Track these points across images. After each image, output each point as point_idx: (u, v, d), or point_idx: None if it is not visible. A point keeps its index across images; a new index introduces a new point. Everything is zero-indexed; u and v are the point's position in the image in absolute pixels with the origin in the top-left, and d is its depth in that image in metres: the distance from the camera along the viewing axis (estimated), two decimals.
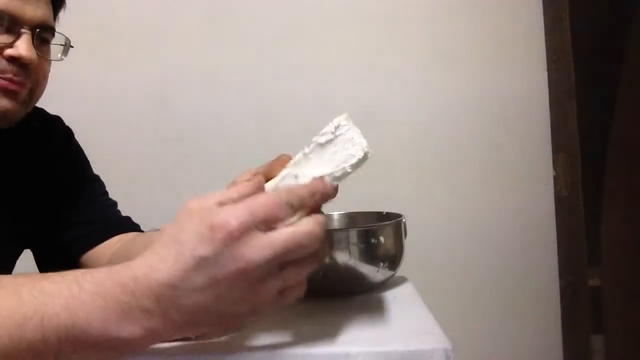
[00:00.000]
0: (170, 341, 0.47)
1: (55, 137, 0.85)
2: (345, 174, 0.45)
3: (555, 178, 1.46)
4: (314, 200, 0.42)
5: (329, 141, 0.46)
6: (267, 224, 0.40)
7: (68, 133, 0.88)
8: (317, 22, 1.48)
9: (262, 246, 0.38)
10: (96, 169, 0.90)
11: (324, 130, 0.47)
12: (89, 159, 0.89)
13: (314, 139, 0.47)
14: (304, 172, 0.46)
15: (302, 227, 0.40)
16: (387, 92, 1.47)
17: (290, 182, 0.47)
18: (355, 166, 0.45)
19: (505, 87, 1.46)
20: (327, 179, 0.45)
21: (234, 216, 0.38)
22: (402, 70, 1.47)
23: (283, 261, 0.40)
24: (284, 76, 1.47)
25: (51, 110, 0.85)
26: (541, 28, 1.46)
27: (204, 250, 0.38)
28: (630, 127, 1.72)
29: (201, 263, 0.38)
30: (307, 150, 0.47)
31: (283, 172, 0.47)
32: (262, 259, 0.38)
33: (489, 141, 1.46)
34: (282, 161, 0.51)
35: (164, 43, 1.47)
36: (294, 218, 0.41)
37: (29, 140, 0.80)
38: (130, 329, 0.39)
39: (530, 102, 1.46)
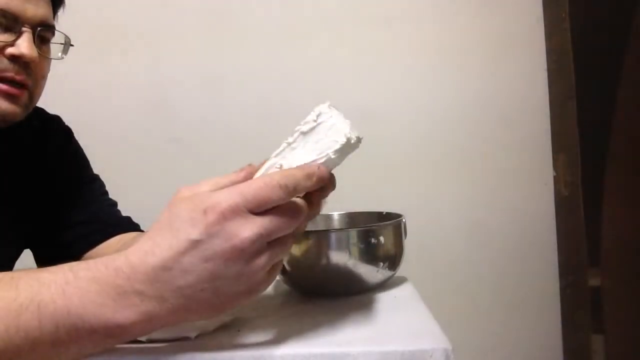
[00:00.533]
0: (169, 341, 0.47)
1: (54, 136, 0.85)
2: (330, 161, 0.45)
3: (555, 178, 1.46)
4: (311, 183, 0.43)
5: (312, 129, 0.46)
6: (259, 205, 0.40)
7: (68, 133, 0.88)
8: (317, 23, 1.48)
9: (251, 226, 0.39)
10: (96, 169, 0.90)
11: (306, 119, 0.47)
12: (88, 158, 0.89)
13: (297, 128, 0.47)
14: (289, 161, 0.46)
15: (287, 207, 0.41)
16: (387, 92, 1.47)
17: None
18: (340, 152, 0.45)
19: (505, 87, 1.46)
20: None
21: (225, 198, 0.39)
22: (402, 70, 1.47)
23: (271, 239, 0.41)
24: (284, 76, 1.47)
25: (51, 109, 0.85)
26: (541, 28, 1.46)
27: (197, 233, 0.39)
28: (630, 127, 1.72)
29: (194, 245, 0.39)
30: (290, 139, 0.47)
31: (267, 163, 0.47)
32: (254, 235, 0.39)
33: (489, 141, 1.46)
34: None
35: (164, 44, 1.47)
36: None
37: (28, 139, 0.80)
38: (125, 314, 0.39)
39: (530, 102, 1.46)
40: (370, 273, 0.65)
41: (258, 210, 0.40)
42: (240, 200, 0.39)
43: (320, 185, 0.44)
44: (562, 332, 1.44)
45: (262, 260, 0.41)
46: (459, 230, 1.46)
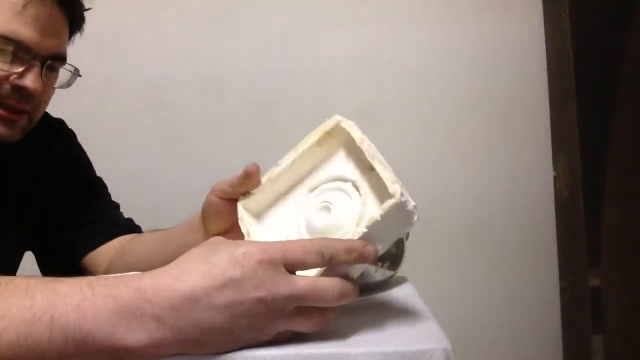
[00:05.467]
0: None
1: (58, 140, 0.85)
2: (376, 224, 0.45)
3: (555, 178, 1.46)
4: (349, 258, 0.43)
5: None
6: (294, 266, 0.41)
7: (71, 136, 0.88)
8: (317, 22, 1.48)
9: (283, 283, 0.40)
10: (96, 169, 0.90)
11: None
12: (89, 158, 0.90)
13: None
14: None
15: (325, 281, 0.42)
16: (386, 92, 1.47)
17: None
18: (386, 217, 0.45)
19: (505, 87, 1.46)
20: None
21: (266, 250, 0.41)
22: (402, 70, 1.47)
23: (297, 305, 0.41)
24: (284, 76, 1.47)
25: (50, 109, 0.85)
26: (541, 28, 1.46)
27: (234, 272, 0.39)
28: (630, 127, 1.72)
29: (228, 283, 0.39)
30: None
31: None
32: (281, 295, 0.40)
33: (489, 141, 1.46)
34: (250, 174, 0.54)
35: (164, 43, 1.47)
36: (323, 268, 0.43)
37: (32, 143, 0.80)
38: (138, 337, 0.39)
39: (530, 102, 1.46)
40: (370, 273, 0.65)
41: (291, 269, 0.41)
42: (278, 255, 0.40)
43: (364, 262, 0.44)
44: (562, 332, 1.44)
45: (279, 322, 0.41)
46: (459, 230, 1.46)
